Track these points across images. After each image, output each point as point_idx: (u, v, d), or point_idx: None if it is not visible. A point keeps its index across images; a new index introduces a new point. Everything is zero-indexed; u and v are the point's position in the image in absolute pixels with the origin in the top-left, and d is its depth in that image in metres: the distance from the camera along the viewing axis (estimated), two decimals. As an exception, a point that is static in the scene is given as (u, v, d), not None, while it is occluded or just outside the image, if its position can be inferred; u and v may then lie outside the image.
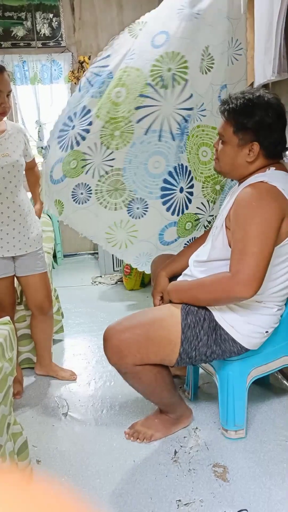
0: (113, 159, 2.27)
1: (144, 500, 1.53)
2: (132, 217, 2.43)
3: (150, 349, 1.61)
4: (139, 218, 2.45)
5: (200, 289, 1.66)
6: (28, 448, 1.59)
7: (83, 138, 2.19)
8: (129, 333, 1.62)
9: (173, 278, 1.99)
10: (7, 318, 1.55)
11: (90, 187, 2.30)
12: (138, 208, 2.42)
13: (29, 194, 2.37)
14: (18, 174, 2.04)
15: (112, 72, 2.17)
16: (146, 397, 1.80)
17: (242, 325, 1.69)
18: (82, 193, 2.30)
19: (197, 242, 2.02)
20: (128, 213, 2.42)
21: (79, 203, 2.33)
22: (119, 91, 2.15)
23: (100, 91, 2.16)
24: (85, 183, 2.29)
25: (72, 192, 2.29)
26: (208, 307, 1.71)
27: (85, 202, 2.33)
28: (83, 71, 4.53)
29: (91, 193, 2.31)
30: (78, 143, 2.20)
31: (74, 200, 2.32)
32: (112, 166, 2.28)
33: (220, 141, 1.71)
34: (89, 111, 2.19)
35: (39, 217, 2.30)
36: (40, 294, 2.22)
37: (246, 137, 1.62)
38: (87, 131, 2.18)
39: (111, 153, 2.26)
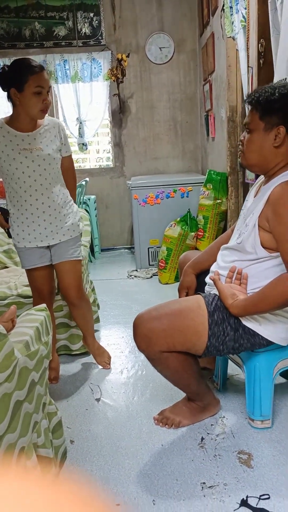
0: None
1: (170, 481, 1.61)
2: None
3: (176, 338, 1.68)
4: None
5: (264, 300, 1.62)
6: (63, 428, 1.70)
7: None
8: (157, 322, 1.68)
9: (200, 274, 2.06)
10: (44, 305, 1.66)
11: None
12: None
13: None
14: (49, 167, 2.12)
15: None
16: (174, 384, 1.87)
17: (268, 321, 1.73)
18: None
19: (222, 239, 2.07)
20: None
21: None
22: None
23: None
24: None
25: None
26: None
27: None
28: (121, 69, 4.61)
29: None
30: None
31: None
32: None
33: (247, 133, 1.75)
34: None
35: None
36: (67, 280, 2.27)
37: (272, 121, 1.65)
38: None
39: None
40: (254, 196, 1.84)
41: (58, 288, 2.55)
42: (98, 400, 2.19)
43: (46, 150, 2.10)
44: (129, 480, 1.63)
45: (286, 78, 2.10)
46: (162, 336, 1.67)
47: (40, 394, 1.47)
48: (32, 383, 1.38)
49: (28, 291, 2.49)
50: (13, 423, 1.23)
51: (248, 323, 1.72)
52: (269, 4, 2.21)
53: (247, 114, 1.77)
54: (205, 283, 1.97)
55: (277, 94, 1.65)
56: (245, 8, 2.85)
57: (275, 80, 2.20)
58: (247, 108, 1.78)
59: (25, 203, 2.10)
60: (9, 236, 2.22)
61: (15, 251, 2.36)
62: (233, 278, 1.78)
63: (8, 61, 4.67)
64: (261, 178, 1.89)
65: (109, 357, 2.56)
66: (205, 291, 1.94)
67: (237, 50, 3.12)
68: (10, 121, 2.07)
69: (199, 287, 2.05)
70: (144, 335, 1.69)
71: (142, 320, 1.72)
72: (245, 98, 1.83)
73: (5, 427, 1.17)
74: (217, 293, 1.77)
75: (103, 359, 2.52)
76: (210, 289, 1.90)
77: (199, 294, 1.85)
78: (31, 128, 2.09)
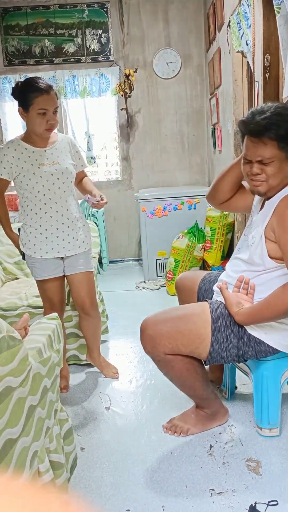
0: None
1: (179, 487, 1.63)
2: None
3: (180, 340, 1.74)
4: None
5: (268, 308, 1.66)
6: (73, 435, 1.73)
7: None
8: (162, 325, 1.76)
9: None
10: (55, 314, 1.71)
11: None
12: None
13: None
14: (66, 180, 2.21)
15: None
16: (180, 388, 1.90)
17: (274, 329, 1.76)
18: None
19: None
20: None
21: None
22: None
23: None
24: None
25: None
26: None
27: None
28: (129, 84, 4.70)
29: None
30: None
31: None
32: None
33: (260, 164, 1.67)
34: None
35: (101, 197, 2.28)
36: (82, 292, 2.34)
37: None
38: None
39: None
40: (260, 210, 1.87)
41: (67, 298, 2.59)
42: (107, 408, 2.22)
43: (64, 164, 2.19)
44: (138, 486, 1.66)
45: None
46: (166, 338, 1.74)
47: (52, 400, 1.51)
48: (44, 389, 1.41)
49: (38, 301, 2.54)
50: (27, 427, 1.26)
51: (253, 331, 1.76)
52: (277, 19, 2.26)
53: (249, 145, 1.69)
54: (213, 292, 2.01)
55: (282, 119, 1.62)
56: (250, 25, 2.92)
57: (285, 94, 2.24)
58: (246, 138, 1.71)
59: (45, 215, 2.17)
60: (23, 257, 2.29)
61: (25, 262, 2.41)
62: (240, 288, 1.81)
63: (18, 78, 4.78)
64: None
65: (115, 368, 2.59)
66: (213, 299, 1.98)
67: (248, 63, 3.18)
68: (25, 138, 2.16)
69: (207, 295, 2.08)
70: (149, 336, 1.77)
71: (149, 322, 1.80)
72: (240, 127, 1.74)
73: (19, 430, 1.20)
74: (223, 301, 1.81)
75: (111, 370, 2.55)
76: (217, 297, 1.93)
77: (205, 300, 1.90)
78: (45, 144, 2.17)
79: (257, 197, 1.93)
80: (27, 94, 2.02)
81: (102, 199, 2.25)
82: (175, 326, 1.75)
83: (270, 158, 1.65)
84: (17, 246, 2.30)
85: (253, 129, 1.65)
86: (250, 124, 1.66)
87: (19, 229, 2.28)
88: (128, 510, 1.55)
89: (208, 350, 1.75)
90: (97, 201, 2.23)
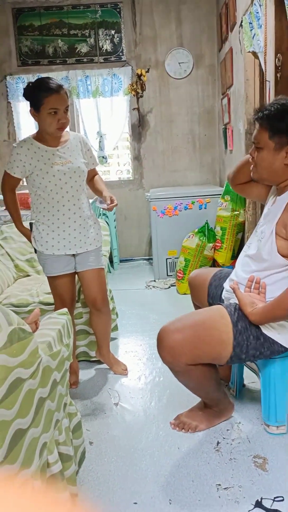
0: None
1: (186, 482, 1.65)
2: None
3: (201, 349, 1.70)
4: None
5: (280, 306, 1.66)
6: (82, 429, 1.75)
7: None
8: (182, 334, 1.70)
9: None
10: (65, 309, 1.73)
11: None
12: None
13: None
14: (79, 179, 2.24)
15: None
16: (194, 392, 1.90)
17: (286, 329, 1.76)
18: None
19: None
20: None
21: None
22: None
23: None
24: None
25: None
26: None
27: None
28: (141, 84, 4.72)
29: None
30: None
31: None
32: None
33: (256, 148, 1.78)
34: None
35: (111, 198, 2.30)
36: (94, 288, 2.37)
37: (282, 141, 1.69)
38: None
39: None
40: (272, 205, 1.88)
41: (78, 296, 2.62)
42: (116, 404, 2.24)
43: (76, 163, 2.22)
44: (146, 480, 1.68)
45: None
46: (187, 347, 1.69)
47: (62, 394, 1.54)
48: (54, 382, 1.44)
49: (49, 298, 2.57)
50: (37, 418, 1.29)
51: (268, 332, 1.76)
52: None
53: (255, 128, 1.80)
54: (223, 288, 2.02)
55: (284, 112, 1.68)
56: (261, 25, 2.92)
57: None
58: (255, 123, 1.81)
59: (58, 212, 2.21)
60: (35, 251, 2.32)
61: (37, 260, 2.45)
62: (252, 287, 1.82)
63: (32, 78, 4.82)
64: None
65: (125, 365, 2.61)
66: (223, 296, 1.99)
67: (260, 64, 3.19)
68: (38, 137, 2.20)
69: (217, 291, 2.09)
70: (169, 347, 1.70)
71: (167, 332, 1.73)
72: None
73: (29, 421, 1.23)
74: (236, 301, 1.81)
75: (120, 366, 2.58)
76: (228, 295, 1.94)
77: (219, 304, 1.90)
78: (57, 143, 2.21)
79: (271, 191, 1.95)
80: (38, 95, 2.05)
81: (112, 201, 2.28)
82: (196, 334, 1.70)
83: (260, 144, 1.74)
84: (30, 240, 2.34)
85: (257, 112, 1.77)
86: (259, 108, 1.78)
87: (30, 224, 2.32)
88: (135, 503, 1.57)
89: (230, 354, 1.73)
90: (108, 206, 2.26)
